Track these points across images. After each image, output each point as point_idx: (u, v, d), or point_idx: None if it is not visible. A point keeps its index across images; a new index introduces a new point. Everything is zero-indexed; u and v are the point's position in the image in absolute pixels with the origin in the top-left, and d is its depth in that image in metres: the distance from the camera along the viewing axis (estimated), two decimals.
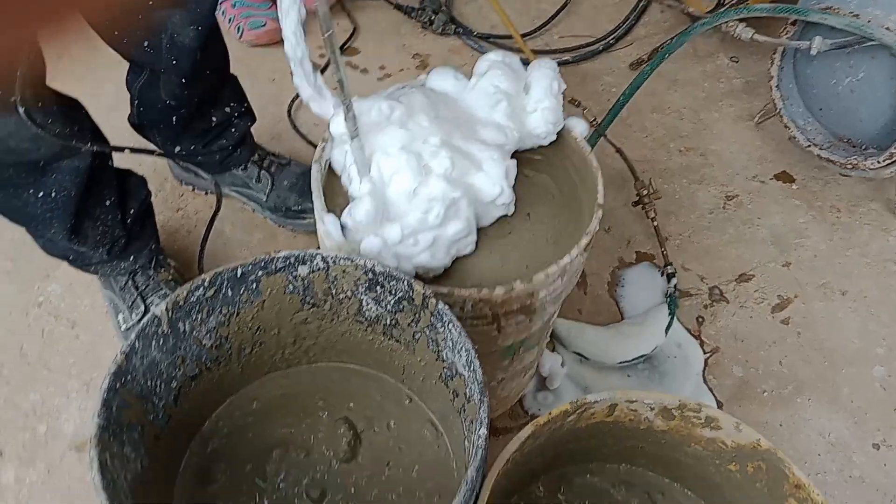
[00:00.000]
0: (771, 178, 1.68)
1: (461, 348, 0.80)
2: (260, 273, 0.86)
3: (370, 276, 0.86)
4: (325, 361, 1.03)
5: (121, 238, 1.25)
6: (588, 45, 1.93)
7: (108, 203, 1.21)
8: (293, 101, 1.77)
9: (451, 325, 0.81)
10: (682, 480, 0.95)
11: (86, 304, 1.41)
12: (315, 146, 1.63)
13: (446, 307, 0.81)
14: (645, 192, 1.48)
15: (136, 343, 0.78)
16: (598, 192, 0.99)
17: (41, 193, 1.12)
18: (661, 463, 0.95)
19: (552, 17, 1.99)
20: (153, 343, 0.81)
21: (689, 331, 1.41)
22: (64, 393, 1.30)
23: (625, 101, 1.46)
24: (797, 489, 0.78)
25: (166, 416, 0.87)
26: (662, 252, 1.47)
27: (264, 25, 1.86)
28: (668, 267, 1.45)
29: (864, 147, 1.45)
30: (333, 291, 0.90)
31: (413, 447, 0.97)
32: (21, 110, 0.92)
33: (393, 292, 0.86)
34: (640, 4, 2.02)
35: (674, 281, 1.42)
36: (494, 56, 1.07)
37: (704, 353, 1.39)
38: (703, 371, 1.37)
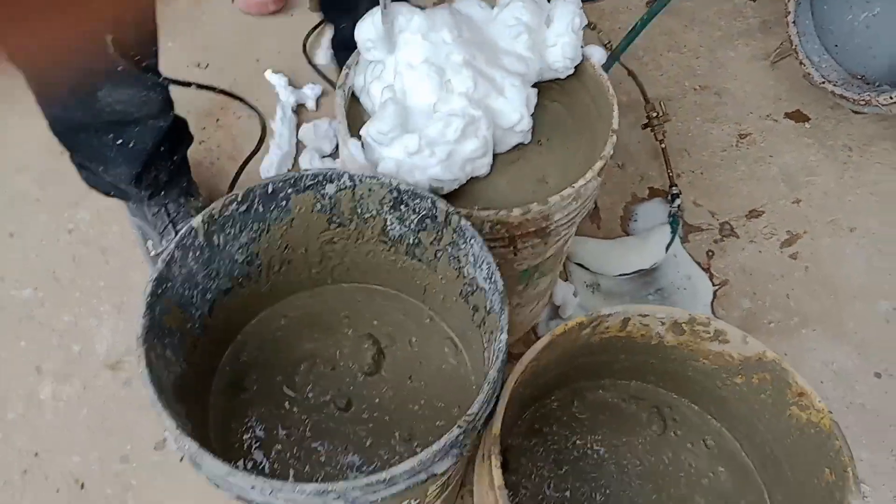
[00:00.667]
0: (784, 117, 1.70)
1: (482, 262, 0.84)
2: (290, 190, 0.90)
3: (394, 194, 0.89)
4: (349, 282, 1.08)
5: (164, 180, 1.31)
6: None
7: (167, 153, 1.27)
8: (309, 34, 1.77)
9: (472, 241, 0.85)
10: (689, 395, 1.00)
11: (114, 231, 1.45)
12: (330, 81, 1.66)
13: (468, 223, 0.85)
14: (654, 114, 1.50)
15: (175, 252, 0.82)
16: (614, 118, 1.02)
17: (120, 142, 1.17)
18: (669, 379, 0.99)
19: None
20: (190, 254, 0.85)
21: (699, 264, 1.45)
22: (96, 315, 1.36)
23: (642, 27, 1.44)
24: (800, 397, 0.83)
25: (202, 327, 0.92)
26: (668, 173, 1.50)
27: None
28: (673, 188, 1.48)
29: (877, 84, 1.47)
30: (359, 210, 0.94)
31: (433, 362, 1.02)
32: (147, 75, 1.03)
33: (416, 210, 0.90)
34: None
35: (678, 201, 1.46)
36: None
37: (713, 285, 1.43)
38: (712, 303, 1.41)
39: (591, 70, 1.08)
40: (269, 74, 1.66)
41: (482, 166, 1.02)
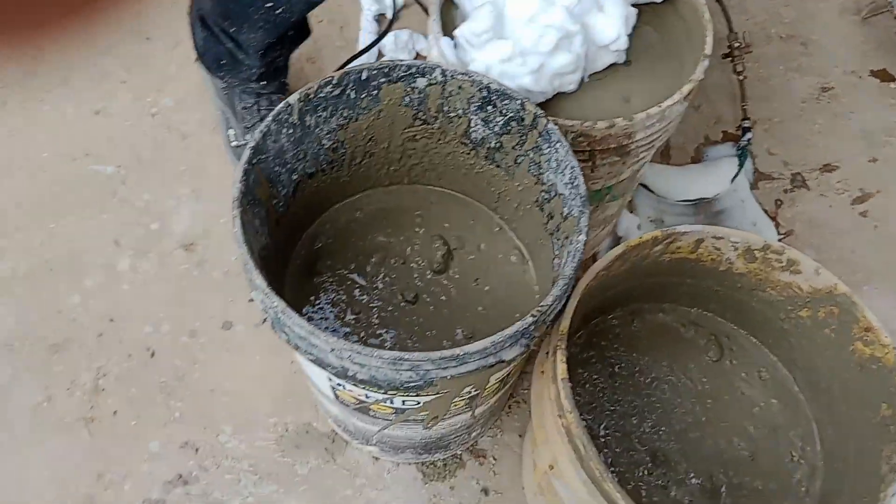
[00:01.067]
0: (869, 75, 1.66)
1: (566, 167, 0.86)
2: (382, 80, 0.92)
3: (484, 93, 0.91)
4: (424, 183, 1.10)
5: (279, 64, 1.35)
6: None
7: (293, 40, 1.32)
8: None
9: (558, 145, 0.86)
10: (750, 327, 1.01)
11: (195, 118, 1.50)
12: None
13: (555, 127, 0.86)
14: (737, 44, 1.47)
15: (272, 126, 0.86)
16: (707, 42, 1.01)
17: (271, 4, 1.18)
18: (731, 309, 1.01)
19: None
20: (284, 130, 0.88)
21: (766, 212, 1.45)
22: (175, 197, 1.41)
23: None
24: (866, 332, 0.84)
25: (286, 205, 0.95)
26: (743, 105, 1.49)
27: None
28: (745, 121, 1.47)
29: None
30: (445, 108, 0.96)
31: (500, 268, 1.05)
32: None
33: (503, 112, 0.91)
34: None
35: (748, 135, 1.45)
36: None
37: (778, 234, 1.43)
38: None
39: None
40: None
41: (571, 82, 1.02)
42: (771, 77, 1.64)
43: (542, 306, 0.75)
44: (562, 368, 0.77)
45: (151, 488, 1.14)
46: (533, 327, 0.76)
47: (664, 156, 1.51)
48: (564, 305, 0.82)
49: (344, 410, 0.97)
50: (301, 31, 1.33)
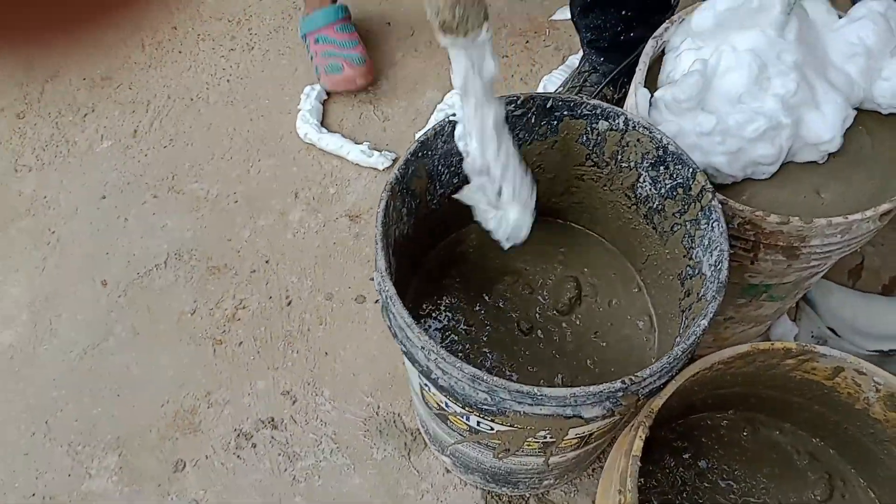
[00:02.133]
0: None
1: (716, 248, 0.82)
2: (565, 112, 0.92)
3: (660, 152, 0.89)
4: (579, 224, 1.10)
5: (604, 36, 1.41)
6: None
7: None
8: None
9: (716, 224, 0.82)
10: (871, 480, 0.91)
11: (402, 105, 1.59)
12: None
13: (719, 204, 0.82)
14: None
15: (446, 126, 0.89)
16: None
17: None
18: (856, 453, 0.91)
19: None
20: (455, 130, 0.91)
21: None
22: (357, 170, 1.50)
23: None
24: None
25: (439, 203, 0.99)
26: None
27: (341, 71, 1.57)
28: None
29: None
30: (619, 157, 0.95)
31: (624, 329, 1.01)
32: None
33: (673, 176, 0.89)
34: None
35: None
36: (877, 5, 1.00)
37: None
38: None
39: None
40: None
41: (764, 172, 0.97)
42: None
43: (635, 376, 0.72)
44: (637, 445, 0.74)
45: (245, 421, 1.22)
46: (621, 394, 0.74)
47: (852, 273, 1.38)
48: (665, 384, 0.78)
49: (427, 412, 0.99)
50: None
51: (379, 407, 1.23)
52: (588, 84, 1.47)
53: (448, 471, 1.17)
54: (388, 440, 1.20)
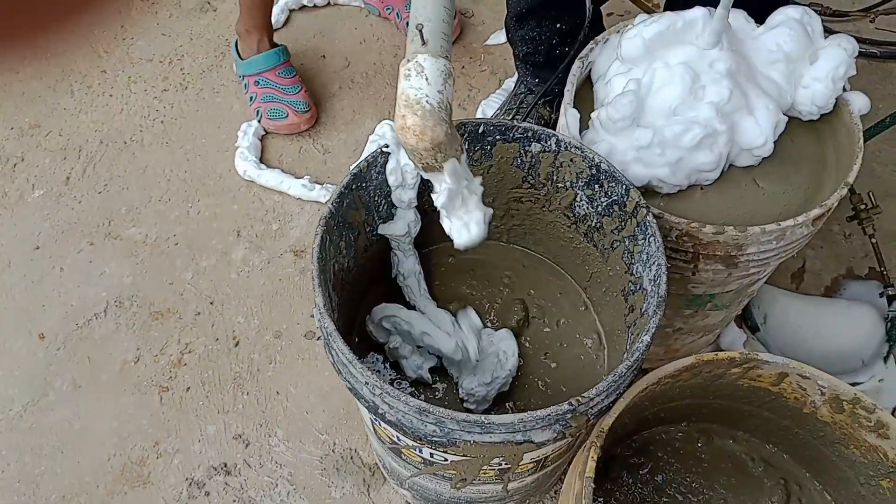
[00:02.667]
0: None
1: (654, 262, 0.82)
2: (497, 137, 0.92)
3: (593, 171, 0.89)
4: (521, 246, 1.09)
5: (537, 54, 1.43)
6: None
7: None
8: None
9: (652, 239, 0.83)
10: (825, 481, 0.92)
11: (341, 137, 1.58)
12: None
13: (654, 220, 0.83)
14: (862, 206, 1.34)
15: (379, 158, 0.88)
16: (852, 171, 0.94)
17: None
18: (809, 457, 0.92)
19: (879, 3, 1.82)
20: (388, 164, 0.91)
21: None
22: (300, 204, 1.48)
23: (890, 123, 1.28)
24: None
25: (378, 236, 0.98)
26: (882, 271, 1.35)
27: (286, 118, 1.57)
28: (890, 289, 1.34)
29: None
30: (554, 178, 0.95)
31: (573, 349, 1.01)
32: None
33: (608, 194, 0.89)
34: None
35: None
36: (794, 12, 1.03)
37: None
38: (894, 411, 1.27)
39: (846, 116, 1.00)
40: None
41: (707, 179, 0.98)
42: None
43: (582, 397, 0.72)
44: (590, 466, 0.73)
45: (196, 469, 1.18)
46: (569, 416, 0.73)
47: (794, 277, 1.41)
48: (614, 402, 0.78)
49: (382, 447, 0.97)
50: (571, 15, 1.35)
51: (335, 444, 1.21)
52: (524, 105, 1.48)
53: None
54: (346, 477, 1.17)
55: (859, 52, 1.70)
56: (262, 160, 1.55)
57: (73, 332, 1.32)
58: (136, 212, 1.48)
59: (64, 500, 1.16)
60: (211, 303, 1.36)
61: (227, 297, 1.37)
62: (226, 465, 1.19)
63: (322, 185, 1.49)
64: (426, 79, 0.71)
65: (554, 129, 1.45)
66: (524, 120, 1.39)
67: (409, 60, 0.73)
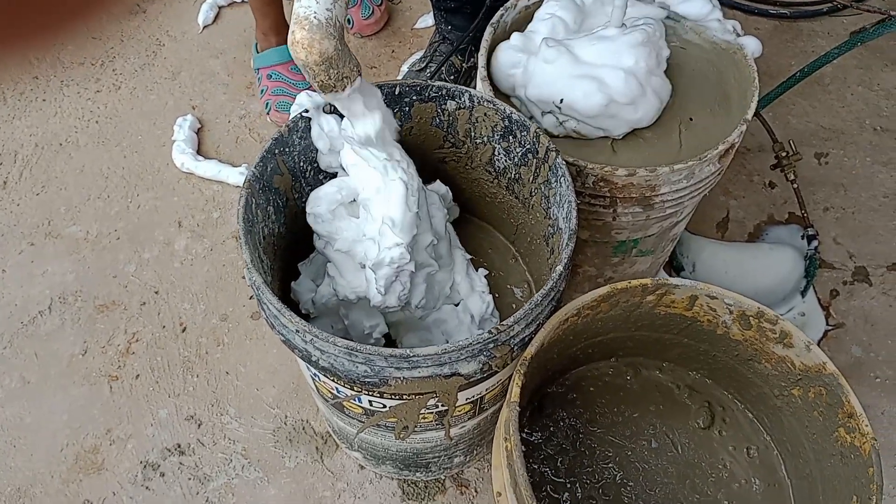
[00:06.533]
0: None
1: (565, 201, 0.87)
2: (414, 98, 0.96)
3: (506, 122, 0.94)
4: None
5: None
6: (811, 2, 1.84)
7: None
8: None
9: (563, 179, 0.87)
10: (745, 399, 0.97)
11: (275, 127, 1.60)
12: None
13: (563, 162, 0.87)
14: (784, 153, 1.41)
15: (300, 122, 0.92)
16: (750, 107, 1.00)
17: None
18: (728, 377, 0.97)
19: None
20: (314, 129, 0.94)
21: (818, 299, 1.38)
22: (239, 193, 1.50)
23: (801, 78, 1.36)
24: (849, 418, 0.79)
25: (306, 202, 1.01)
26: (803, 214, 1.43)
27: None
28: (809, 229, 1.41)
29: None
30: (472, 134, 0.99)
31: (506, 299, 1.06)
32: None
33: (522, 143, 0.94)
34: None
35: (814, 243, 1.39)
36: None
37: (827, 325, 1.36)
38: (819, 341, 1.34)
39: (741, 59, 1.06)
40: None
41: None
42: (854, 166, 1.57)
43: (501, 325, 0.76)
44: (514, 392, 0.77)
45: (151, 452, 1.20)
46: (491, 345, 0.77)
47: (720, 227, 1.48)
48: (535, 332, 0.82)
49: (325, 406, 1.00)
50: None
51: (286, 416, 1.23)
52: (438, 54, 1.55)
53: (361, 467, 1.18)
54: (299, 447, 1.20)
55: (772, 13, 1.79)
56: (199, 152, 1.57)
57: (19, 331, 1.33)
58: (76, 210, 1.49)
59: (19, 491, 1.17)
60: (156, 292, 1.38)
61: (171, 285, 1.38)
62: (179, 446, 1.21)
63: None
64: None
65: (466, 76, 1.51)
66: (438, 68, 1.44)
67: None
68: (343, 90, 0.81)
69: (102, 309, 1.35)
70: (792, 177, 1.42)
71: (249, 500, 1.16)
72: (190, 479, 1.17)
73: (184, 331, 1.33)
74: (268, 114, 1.63)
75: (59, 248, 1.43)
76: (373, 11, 1.77)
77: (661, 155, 1.04)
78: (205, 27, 1.81)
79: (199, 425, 1.23)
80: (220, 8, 1.86)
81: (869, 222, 1.49)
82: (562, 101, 1.00)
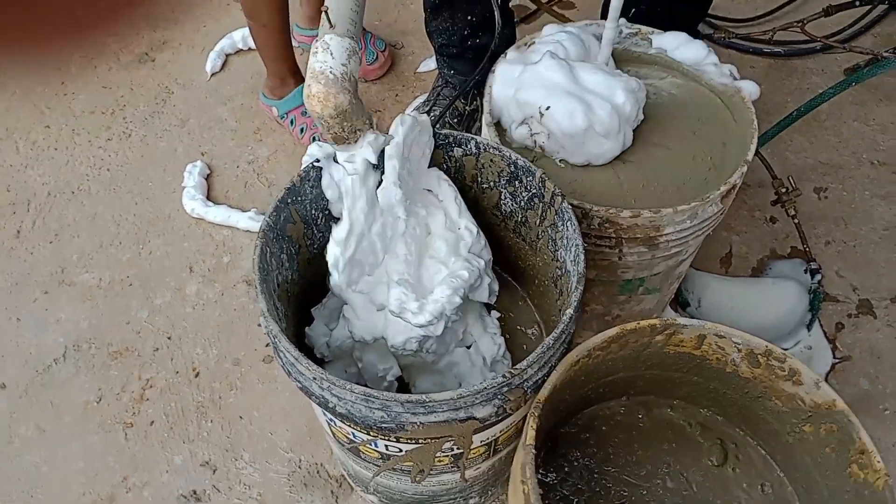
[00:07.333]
0: None
1: (572, 244, 0.89)
2: None
3: (511, 168, 0.96)
4: None
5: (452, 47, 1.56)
6: (804, 41, 1.88)
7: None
8: None
9: (569, 223, 0.89)
10: (757, 436, 0.98)
11: (283, 169, 1.63)
12: None
13: (569, 206, 0.90)
14: (784, 189, 1.44)
15: (311, 172, 0.94)
16: (750, 150, 1.03)
17: None
18: (739, 414, 0.98)
19: (777, 8, 1.95)
20: (322, 179, 0.96)
21: (824, 333, 1.39)
22: (249, 236, 1.53)
23: (797, 117, 1.39)
24: (861, 455, 0.80)
25: (319, 248, 1.03)
26: (805, 248, 1.45)
27: None
28: (812, 263, 1.43)
29: None
30: (479, 179, 1.02)
31: (517, 340, 1.08)
32: None
33: (528, 188, 0.96)
34: (877, 13, 1.93)
35: (818, 277, 1.40)
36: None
37: (834, 358, 1.37)
38: (827, 375, 1.35)
39: (739, 102, 1.09)
40: None
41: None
42: (853, 201, 1.60)
43: (514, 368, 0.78)
44: (530, 435, 0.78)
45: (167, 499, 1.21)
46: (505, 388, 0.79)
47: (723, 262, 1.49)
48: (547, 375, 0.84)
49: (341, 450, 1.01)
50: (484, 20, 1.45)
51: (301, 460, 1.24)
52: (442, 98, 1.59)
53: None
54: (315, 491, 1.21)
55: (766, 52, 1.83)
56: (208, 198, 1.60)
57: (34, 379, 1.34)
58: (89, 258, 1.51)
59: None
60: (169, 338, 1.39)
61: (184, 331, 1.40)
62: (195, 493, 1.21)
63: None
64: (331, 54, 0.79)
65: (469, 119, 1.55)
66: (444, 113, 1.47)
67: (317, 40, 0.80)
68: (355, 142, 0.84)
69: (116, 356, 1.37)
70: (793, 212, 1.44)
71: None
72: None
73: (197, 376, 1.34)
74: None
75: (73, 295, 1.45)
76: (377, 57, 1.81)
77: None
78: (212, 75, 1.85)
79: (215, 471, 1.23)
80: (227, 56, 1.90)
81: (870, 255, 1.51)
82: (548, 108, 1.03)
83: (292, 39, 1.66)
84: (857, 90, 1.79)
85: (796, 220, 1.45)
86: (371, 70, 1.82)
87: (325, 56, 0.79)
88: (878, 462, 0.78)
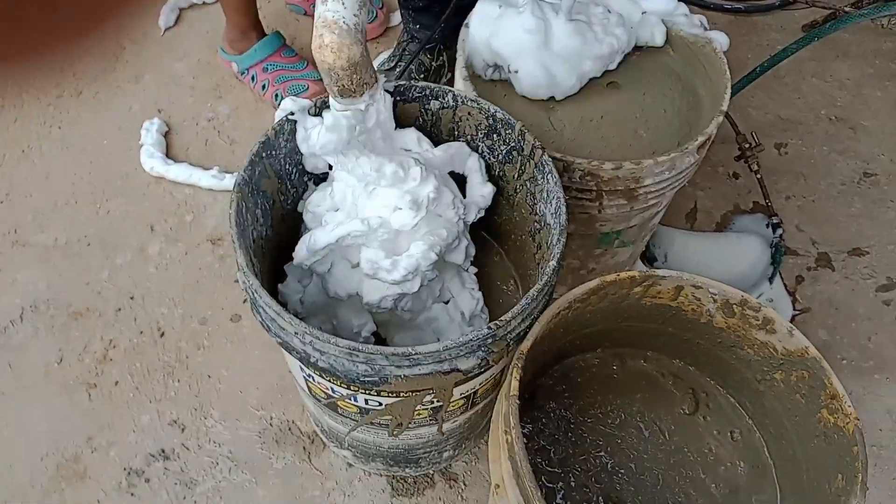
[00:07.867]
0: None
1: (553, 197, 0.88)
2: (397, 99, 0.97)
3: (490, 121, 0.95)
4: None
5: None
6: None
7: None
8: None
9: (549, 175, 0.89)
10: (728, 385, 1.00)
11: (246, 126, 1.59)
12: None
13: (549, 158, 0.89)
14: (747, 145, 1.46)
15: (285, 125, 0.92)
16: (724, 100, 1.04)
17: None
18: (711, 364, 1.00)
19: None
20: (297, 133, 0.94)
21: (785, 286, 1.43)
22: (212, 195, 1.49)
23: (761, 72, 1.41)
24: (832, 400, 0.83)
25: (293, 204, 1.01)
26: (767, 203, 1.47)
27: (307, 89, 1.62)
28: (774, 217, 1.46)
29: None
30: (456, 133, 1.00)
31: (493, 295, 1.07)
32: None
33: (506, 141, 0.95)
34: None
35: (779, 231, 1.44)
36: None
37: (794, 310, 1.41)
38: None
39: (711, 53, 1.10)
40: None
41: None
42: (812, 155, 1.63)
43: (500, 320, 0.78)
44: (513, 385, 0.79)
45: (134, 458, 1.19)
46: (490, 340, 0.79)
47: (688, 217, 1.52)
48: (530, 327, 0.84)
49: (317, 406, 1.01)
50: None
51: (272, 418, 1.23)
52: (407, 52, 1.56)
53: (350, 464, 1.19)
54: (286, 448, 1.20)
55: (728, 8, 1.83)
56: (168, 155, 1.55)
57: None
58: (44, 218, 1.46)
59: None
60: (131, 298, 1.36)
61: (147, 290, 1.37)
62: (163, 451, 1.19)
63: (232, 174, 1.50)
64: (343, 4, 0.76)
65: (435, 75, 1.53)
66: (407, 67, 1.45)
67: None
68: (361, 95, 0.82)
69: (76, 316, 1.33)
70: (755, 167, 1.46)
71: (238, 503, 1.15)
72: (176, 483, 1.16)
73: (162, 336, 1.32)
74: (278, 105, 1.61)
75: (29, 256, 1.40)
76: (376, 15, 1.80)
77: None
78: (166, 29, 1.78)
79: (183, 430, 1.22)
80: (181, 10, 1.83)
81: (829, 210, 1.55)
82: (516, 71, 1.06)
83: None
84: (816, 46, 1.80)
85: (759, 176, 1.48)
86: (371, 28, 1.79)
87: (337, 5, 0.76)
88: (849, 406, 0.81)
